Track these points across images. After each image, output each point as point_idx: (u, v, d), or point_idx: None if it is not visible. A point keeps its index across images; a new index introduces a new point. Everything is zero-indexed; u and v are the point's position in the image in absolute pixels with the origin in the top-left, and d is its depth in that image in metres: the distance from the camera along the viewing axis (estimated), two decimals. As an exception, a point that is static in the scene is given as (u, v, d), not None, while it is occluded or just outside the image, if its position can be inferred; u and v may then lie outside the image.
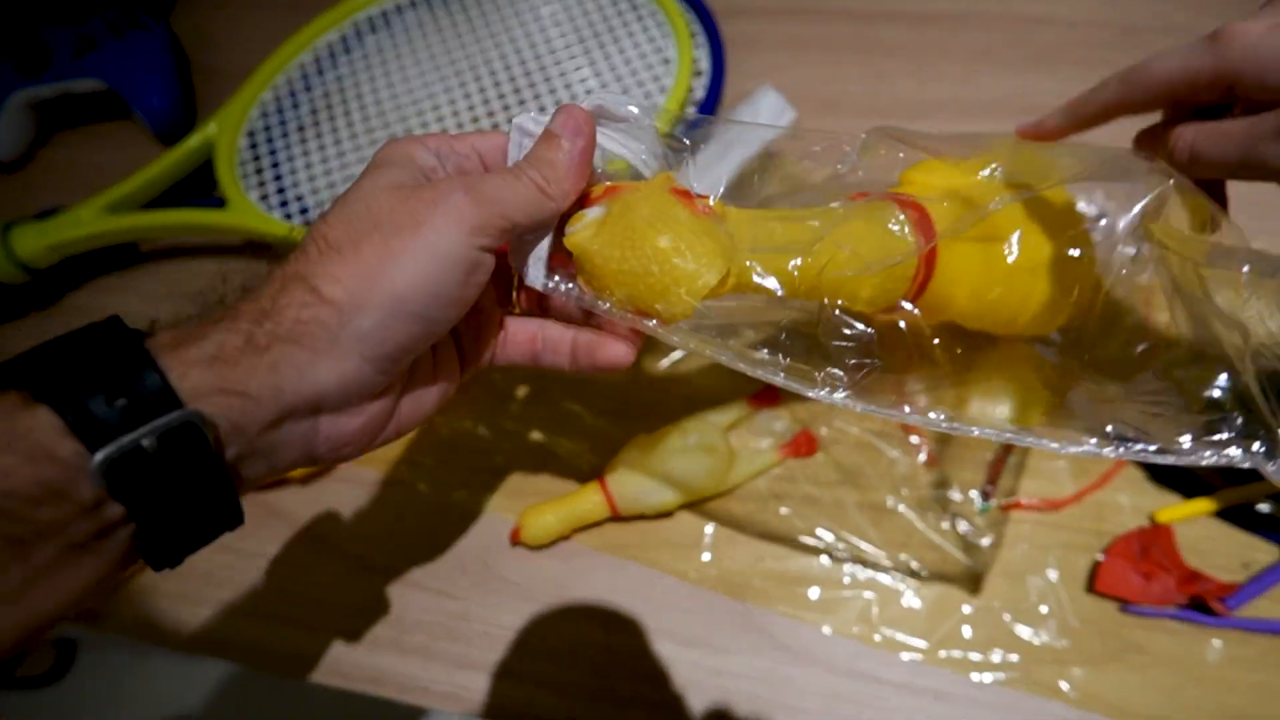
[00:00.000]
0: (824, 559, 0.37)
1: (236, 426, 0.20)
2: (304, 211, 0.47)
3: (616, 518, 0.39)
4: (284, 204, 0.48)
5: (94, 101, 0.56)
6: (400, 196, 0.22)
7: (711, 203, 0.27)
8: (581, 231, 0.25)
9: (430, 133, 0.25)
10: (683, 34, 0.50)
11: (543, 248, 0.26)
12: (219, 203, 0.47)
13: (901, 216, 0.29)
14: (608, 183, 0.27)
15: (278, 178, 0.48)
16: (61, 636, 1.05)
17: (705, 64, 0.50)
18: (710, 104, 0.49)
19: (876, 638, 0.35)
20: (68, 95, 0.54)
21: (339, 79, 0.52)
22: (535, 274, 0.26)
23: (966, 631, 0.35)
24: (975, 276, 0.31)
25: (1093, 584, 0.35)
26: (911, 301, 0.30)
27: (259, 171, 0.49)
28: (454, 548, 0.40)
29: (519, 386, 0.44)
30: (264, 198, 0.48)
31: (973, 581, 0.36)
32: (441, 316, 0.23)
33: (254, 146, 0.50)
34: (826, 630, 0.36)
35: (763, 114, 0.44)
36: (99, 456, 0.18)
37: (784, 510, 0.38)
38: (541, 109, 0.28)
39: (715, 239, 0.26)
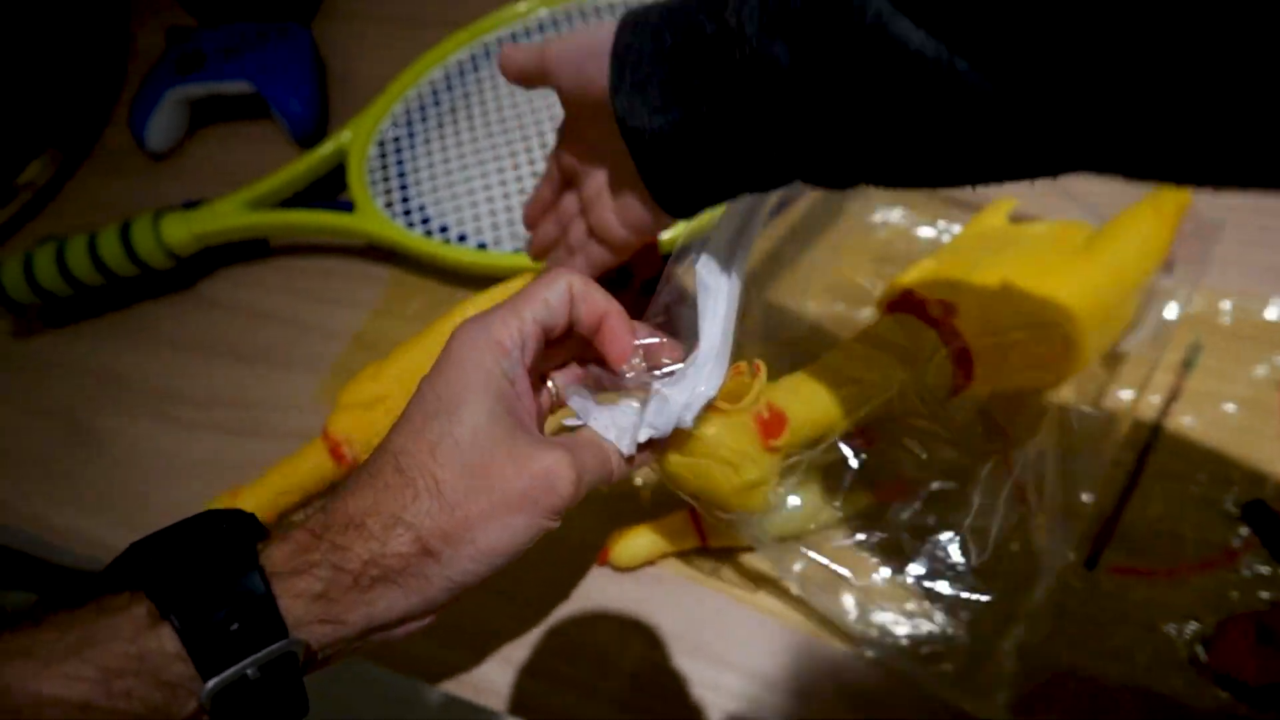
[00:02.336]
0: (919, 612, 0.37)
1: (325, 647, 0.22)
2: (425, 220, 0.49)
3: (706, 547, 0.39)
4: (407, 213, 0.50)
5: (237, 102, 0.60)
6: (509, 456, 0.24)
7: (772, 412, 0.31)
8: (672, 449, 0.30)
9: (496, 310, 0.26)
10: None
11: (630, 430, 0.28)
12: (348, 207, 0.50)
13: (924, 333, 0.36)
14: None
15: (403, 187, 0.51)
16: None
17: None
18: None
19: (972, 701, 0.35)
20: (216, 95, 0.58)
21: (465, 95, 0.55)
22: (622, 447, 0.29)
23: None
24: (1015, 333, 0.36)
25: (1206, 659, 0.33)
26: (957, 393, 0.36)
27: (386, 180, 0.51)
28: (542, 563, 0.41)
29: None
30: (389, 205, 0.50)
31: (1076, 647, 0.35)
32: (519, 554, 0.25)
33: (383, 155, 0.52)
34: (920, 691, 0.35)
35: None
36: (210, 685, 0.20)
37: (874, 557, 0.38)
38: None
39: (763, 481, 0.31)
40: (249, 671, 0.20)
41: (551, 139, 0.51)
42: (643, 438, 0.28)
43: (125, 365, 0.53)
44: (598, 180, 0.32)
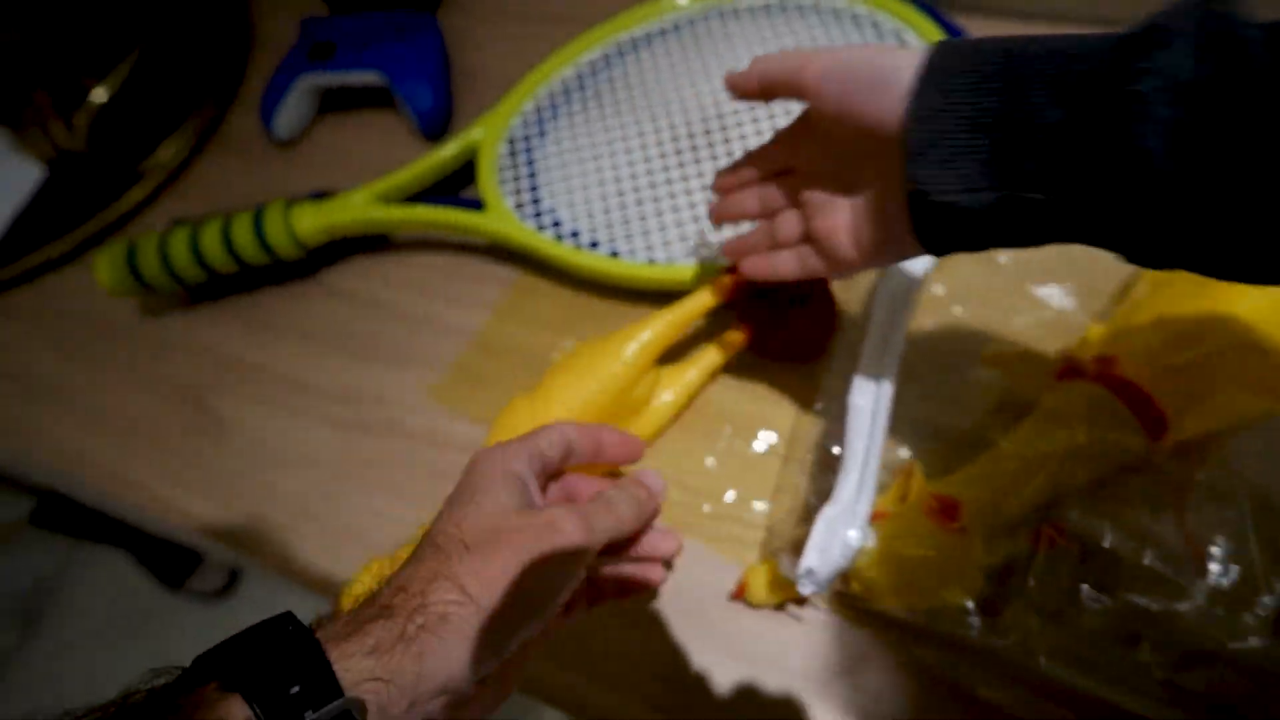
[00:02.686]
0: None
1: (382, 710, 0.23)
2: (556, 224, 0.48)
3: (849, 592, 0.37)
4: (538, 215, 0.49)
5: (362, 91, 0.60)
6: (520, 516, 0.27)
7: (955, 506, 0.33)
8: (862, 561, 0.33)
9: (510, 446, 0.30)
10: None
11: (826, 570, 0.32)
12: (475, 204, 0.49)
13: (1117, 412, 0.34)
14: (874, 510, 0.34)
15: (533, 188, 0.50)
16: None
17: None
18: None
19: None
20: (345, 85, 0.58)
21: (598, 95, 0.53)
22: (811, 587, 0.32)
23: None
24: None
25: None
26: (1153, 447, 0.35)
27: (516, 179, 0.50)
28: (669, 586, 0.40)
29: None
30: (519, 206, 0.49)
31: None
32: (550, 606, 0.27)
33: (513, 154, 0.51)
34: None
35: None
36: None
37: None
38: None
39: (966, 561, 0.33)
40: None
41: (692, 148, 0.49)
42: (816, 562, 0.32)
43: (247, 350, 0.54)
44: (831, 190, 0.32)
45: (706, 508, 0.41)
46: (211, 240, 0.49)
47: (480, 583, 0.25)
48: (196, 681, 0.22)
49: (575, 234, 0.47)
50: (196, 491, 0.49)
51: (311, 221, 0.50)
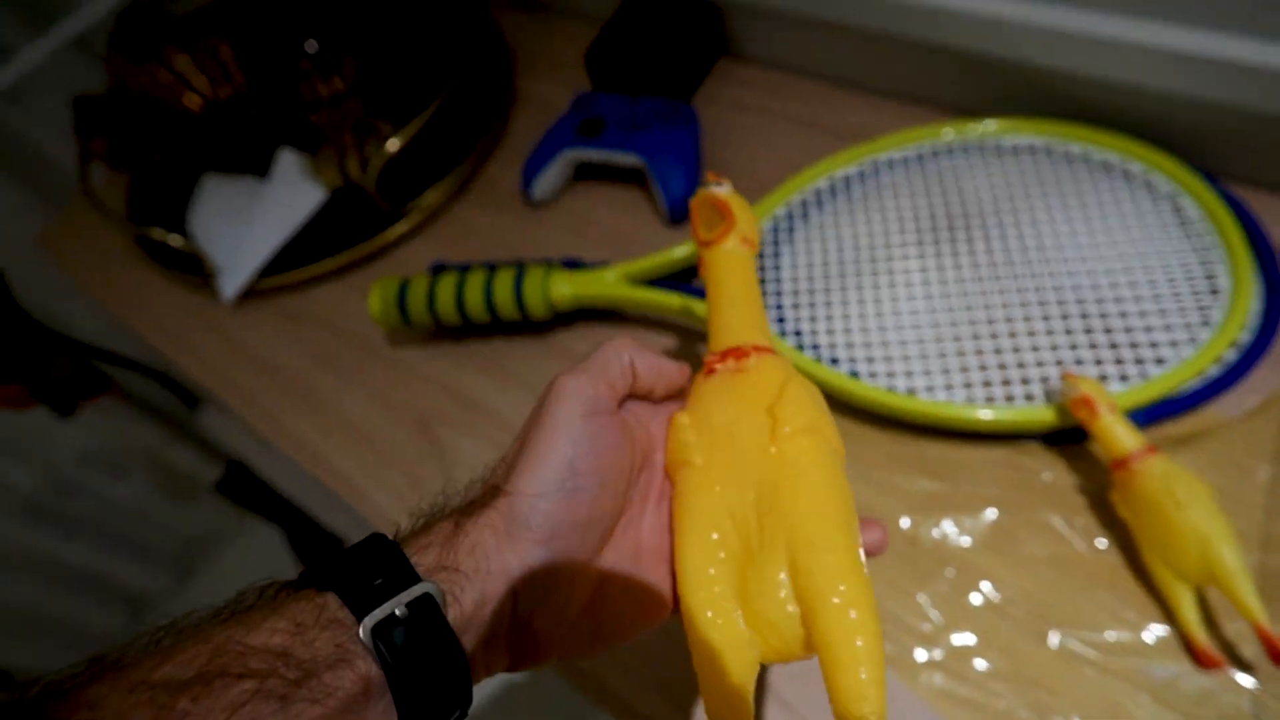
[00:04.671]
0: None
1: (455, 598, 0.26)
2: (797, 334, 0.50)
3: None
4: (780, 320, 0.50)
5: (619, 169, 0.64)
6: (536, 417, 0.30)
7: None
8: None
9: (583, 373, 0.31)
10: (1241, 260, 0.46)
11: None
12: (719, 300, 0.52)
13: None
14: None
15: (777, 293, 0.52)
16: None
17: (1259, 304, 0.46)
18: (1258, 351, 0.44)
19: None
20: (608, 163, 0.63)
21: (850, 208, 0.55)
22: None
23: None
24: None
25: None
26: None
27: (761, 283, 0.52)
28: None
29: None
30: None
31: None
32: (593, 484, 0.28)
33: (760, 257, 0.54)
34: None
35: None
36: (367, 621, 0.23)
37: None
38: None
39: None
40: (398, 611, 0.24)
41: (941, 281, 0.49)
42: None
43: (476, 390, 0.58)
44: None
45: (921, 654, 0.40)
46: (474, 291, 0.54)
47: (513, 470, 0.28)
48: (300, 586, 0.25)
49: (816, 347, 0.49)
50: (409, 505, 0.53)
51: (564, 289, 0.53)
